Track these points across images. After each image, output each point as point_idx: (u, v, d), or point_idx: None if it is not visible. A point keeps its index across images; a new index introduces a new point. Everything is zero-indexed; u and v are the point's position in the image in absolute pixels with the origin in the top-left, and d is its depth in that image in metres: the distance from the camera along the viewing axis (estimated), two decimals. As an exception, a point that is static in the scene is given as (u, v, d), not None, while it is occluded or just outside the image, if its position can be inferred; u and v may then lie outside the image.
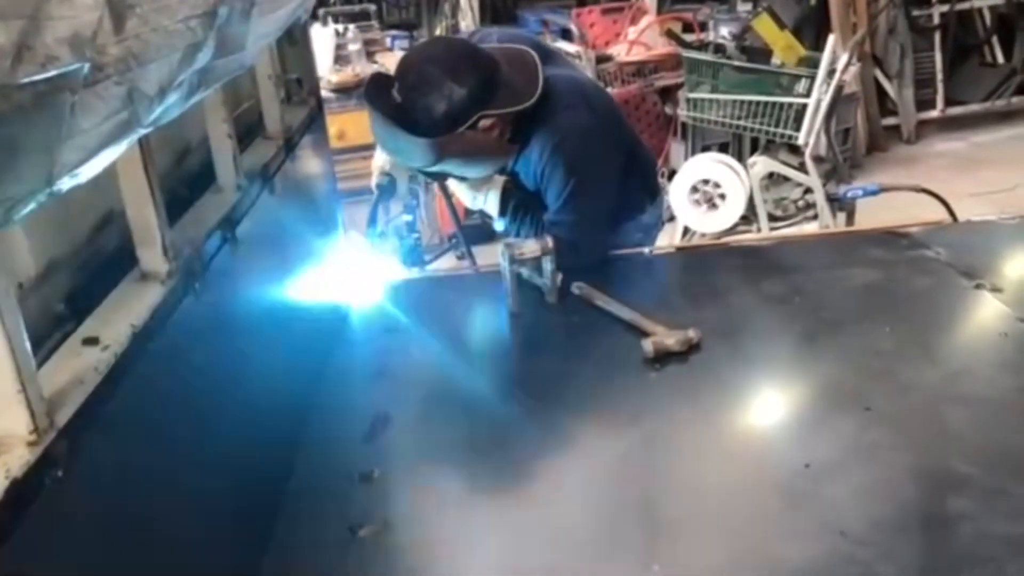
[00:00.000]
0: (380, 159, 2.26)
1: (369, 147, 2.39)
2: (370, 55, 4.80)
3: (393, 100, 1.92)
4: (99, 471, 0.90)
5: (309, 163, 2.02)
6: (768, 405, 1.78)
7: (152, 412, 1.04)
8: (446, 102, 1.88)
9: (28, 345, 0.81)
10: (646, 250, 2.38)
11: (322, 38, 4.49)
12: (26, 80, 0.68)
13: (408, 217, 2.52)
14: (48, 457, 0.79)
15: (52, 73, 0.71)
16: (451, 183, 2.31)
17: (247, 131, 1.78)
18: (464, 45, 2.03)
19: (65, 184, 0.78)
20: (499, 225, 2.29)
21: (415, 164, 2.10)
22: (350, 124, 4.01)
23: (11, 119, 0.68)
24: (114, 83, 0.90)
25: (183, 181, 1.48)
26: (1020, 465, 1.43)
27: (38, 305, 1.03)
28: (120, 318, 1.02)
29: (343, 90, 4.36)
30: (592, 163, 2.12)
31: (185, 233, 1.26)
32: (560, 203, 2.11)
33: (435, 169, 2.04)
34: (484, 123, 1.96)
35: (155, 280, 1.11)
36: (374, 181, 2.28)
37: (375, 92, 1.95)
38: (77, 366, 0.92)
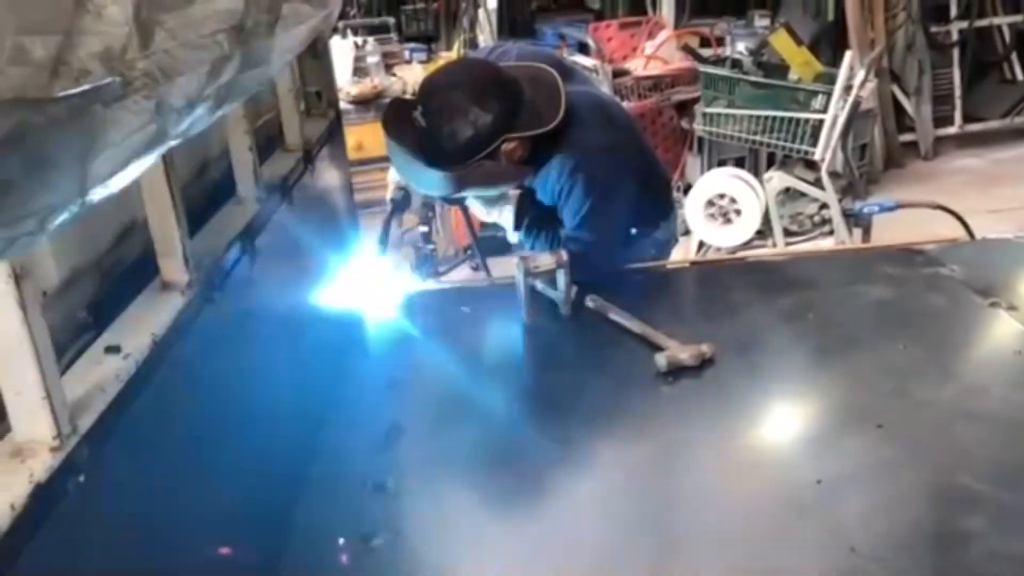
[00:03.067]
0: (396, 174, 2.29)
1: (386, 159, 2.41)
2: (389, 67, 4.83)
3: (416, 124, 1.92)
4: (120, 477, 0.91)
5: (327, 175, 2.05)
6: (781, 421, 1.78)
7: (171, 419, 1.06)
8: (472, 128, 1.89)
9: (53, 353, 0.83)
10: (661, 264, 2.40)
11: (341, 50, 4.53)
12: (61, 94, 0.71)
13: (424, 228, 2.54)
14: (71, 462, 0.81)
15: (86, 87, 0.73)
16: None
17: (267, 143, 1.80)
18: (487, 68, 2.04)
19: (96, 196, 0.80)
20: (513, 237, 2.31)
21: (434, 193, 2.12)
22: (368, 136, 4.04)
23: (46, 132, 0.70)
24: (143, 97, 0.92)
25: (204, 192, 1.50)
26: (1032, 484, 1.43)
27: (61, 313, 1.05)
28: (141, 327, 1.04)
29: (362, 102, 4.39)
30: (611, 183, 2.12)
31: (205, 244, 1.28)
32: (578, 221, 2.12)
33: (453, 197, 2.06)
34: (506, 146, 1.97)
35: (176, 290, 1.13)
36: (388, 195, 2.30)
37: (395, 120, 1.96)
38: (99, 374, 0.94)
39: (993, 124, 6.25)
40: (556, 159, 2.07)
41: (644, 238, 2.38)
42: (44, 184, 0.70)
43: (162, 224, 1.13)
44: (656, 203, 2.39)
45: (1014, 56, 6.26)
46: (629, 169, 2.19)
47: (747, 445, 1.69)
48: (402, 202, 2.27)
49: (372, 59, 4.68)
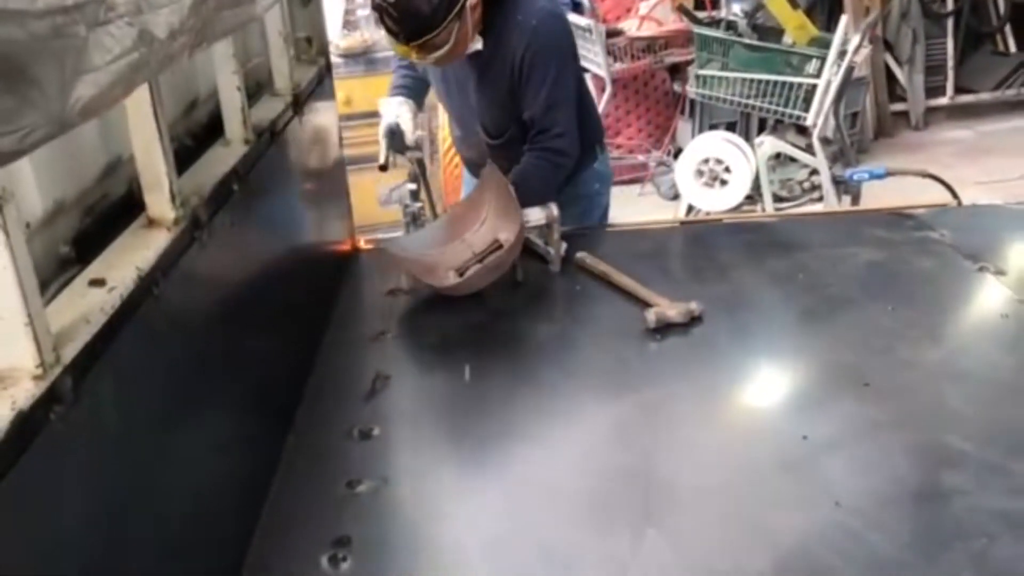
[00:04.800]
0: (386, 114, 2.26)
1: (376, 114, 2.38)
2: (379, 21, 4.76)
3: (385, 8, 1.92)
4: (103, 408, 0.90)
5: (316, 121, 2.01)
6: (768, 378, 1.79)
7: (156, 354, 1.04)
8: None
9: (35, 280, 0.81)
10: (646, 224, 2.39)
11: (332, 3, 4.45)
12: (44, 7, 0.68)
13: (412, 186, 2.52)
14: (54, 392, 0.80)
15: (69, 3, 0.71)
16: None
17: (256, 87, 1.77)
18: None
19: (78, 119, 0.78)
20: None
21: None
22: (357, 90, 3.98)
23: (28, 47, 0.68)
24: (126, 23, 0.90)
25: (192, 132, 1.47)
26: (1016, 443, 1.44)
27: (45, 246, 1.03)
28: (126, 262, 1.02)
29: (351, 55, 4.32)
30: (566, 49, 2.20)
31: (192, 182, 1.26)
32: (543, 97, 2.12)
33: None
34: (471, 1, 1.97)
35: (162, 226, 1.12)
36: (380, 131, 2.27)
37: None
38: (83, 306, 0.92)
39: (984, 96, 6.23)
40: (516, 23, 2.08)
41: (586, 171, 2.41)
42: (25, 101, 0.68)
43: (149, 159, 1.11)
44: (591, 130, 2.41)
45: (1008, 28, 6.23)
46: (574, 41, 2.26)
47: (734, 401, 1.69)
48: (395, 140, 2.23)
49: (363, 12, 4.59)
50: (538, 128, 2.17)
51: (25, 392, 0.77)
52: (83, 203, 1.12)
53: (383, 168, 2.21)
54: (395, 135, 2.23)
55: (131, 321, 0.95)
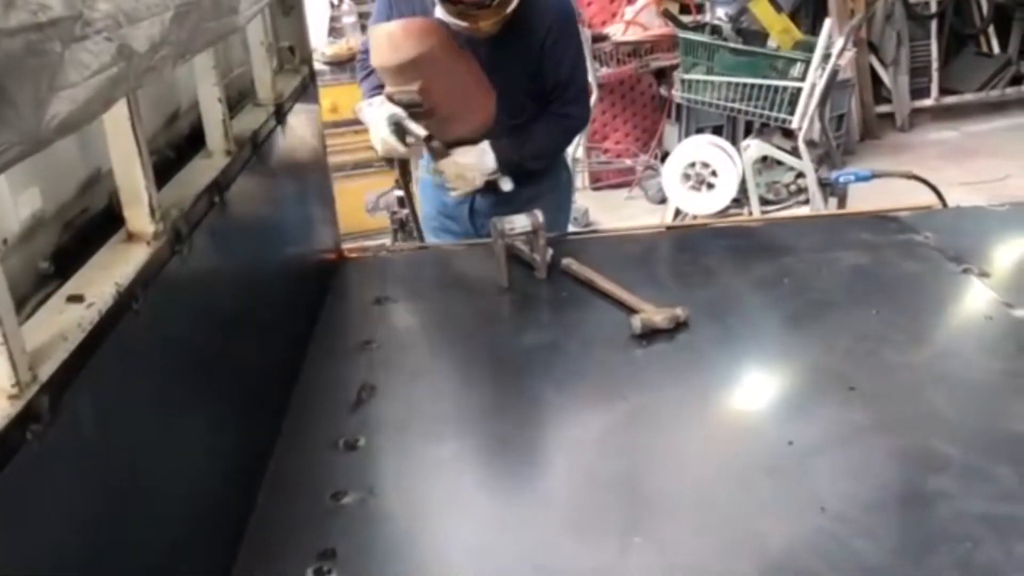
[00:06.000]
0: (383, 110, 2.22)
1: (359, 122, 2.37)
2: (364, 28, 4.76)
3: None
4: (82, 426, 0.89)
5: (300, 131, 2.01)
6: (753, 384, 1.79)
7: (136, 370, 1.03)
8: None
9: (10, 298, 0.80)
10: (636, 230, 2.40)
11: (316, 10, 4.45)
12: (16, 25, 0.68)
13: (400, 192, 2.52)
14: (30, 410, 0.79)
15: (43, 19, 0.71)
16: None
17: (238, 97, 1.76)
18: None
19: (54, 136, 0.77)
20: (507, 185, 2.32)
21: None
22: (343, 97, 3.97)
23: (0, 66, 0.67)
24: (104, 38, 0.89)
25: (173, 144, 1.47)
26: (1000, 446, 1.44)
27: (23, 261, 1.02)
28: (105, 277, 1.01)
29: (337, 63, 4.32)
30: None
31: (173, 195, 1.25)
32: (567, 63, 2.31)
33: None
34: None
35: (141, 240, 1.11)
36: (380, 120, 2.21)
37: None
38: (61, 322, 0.91)
39: (969, 97, 6.27)
40: (536, 7, 2.22)
41: (556, 161, 2.56)
42: (-1, 119, 0.68)
43: (127, 173, 1.10)
44: None
45: (991, 29, 6.28)
46: None
47: (720, 407, 1.69)
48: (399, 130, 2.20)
49: (348, 19, 4.61)
50: (558, 94, 2.32)
51: (0, 412, 0.76)
52: (62, 217, 1.11)
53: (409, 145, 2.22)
54: (399, 125, 2.18)
55: (110, 337, 0.94)
